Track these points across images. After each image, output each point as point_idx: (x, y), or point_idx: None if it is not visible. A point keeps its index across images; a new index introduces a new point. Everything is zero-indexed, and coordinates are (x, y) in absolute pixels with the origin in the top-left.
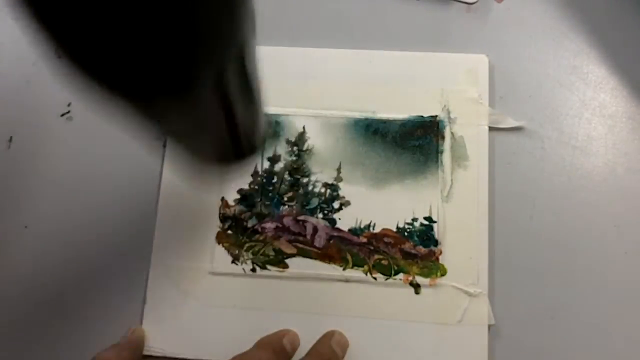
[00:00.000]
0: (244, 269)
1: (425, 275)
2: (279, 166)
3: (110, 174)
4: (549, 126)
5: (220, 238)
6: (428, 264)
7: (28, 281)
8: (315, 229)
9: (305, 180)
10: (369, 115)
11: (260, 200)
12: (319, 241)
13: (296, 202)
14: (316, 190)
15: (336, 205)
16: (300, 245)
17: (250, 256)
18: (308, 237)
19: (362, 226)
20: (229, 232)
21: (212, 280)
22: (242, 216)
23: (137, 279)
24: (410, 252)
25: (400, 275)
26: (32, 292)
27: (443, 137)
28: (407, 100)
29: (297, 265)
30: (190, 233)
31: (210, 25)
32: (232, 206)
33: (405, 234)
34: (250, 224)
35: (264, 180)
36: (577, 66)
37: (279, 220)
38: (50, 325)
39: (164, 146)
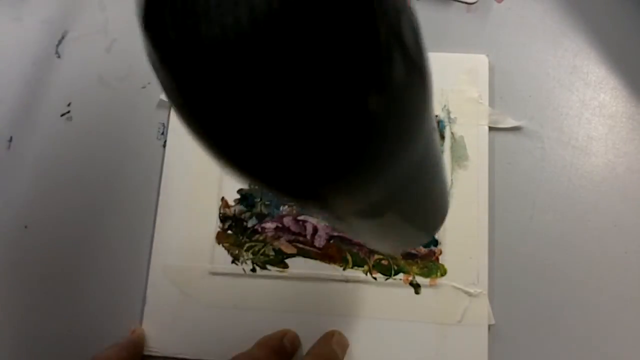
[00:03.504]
0: (244, 269)
1: (425, 275)
2: None
3: (110, 174)
4: (549, 126)
5: (220, 238)
6: (428, 264)
7: (28, 281)
8: (315, 229)
9: None
10: None
11: (260, 200)
12: (319, 241)
13: None
14: None
15: None
16: (300, 245)
17: (250, 256)
18: (308, 237)
19: None
20: (229, 232)
21: (212, 280)
22: (242, 216)
23: (137, 279)
24: (410, 252)
25: (400, 275)
26: (31, 292)
27: (443, 137)
28: None
29: (297, 265)
30: (190, 233)
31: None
32: (232, 206)
33: None
34: (250, 224)
35: None
36: (577, 66)
37: (279, 220)
38: (50, 325)
39: (164, 146)
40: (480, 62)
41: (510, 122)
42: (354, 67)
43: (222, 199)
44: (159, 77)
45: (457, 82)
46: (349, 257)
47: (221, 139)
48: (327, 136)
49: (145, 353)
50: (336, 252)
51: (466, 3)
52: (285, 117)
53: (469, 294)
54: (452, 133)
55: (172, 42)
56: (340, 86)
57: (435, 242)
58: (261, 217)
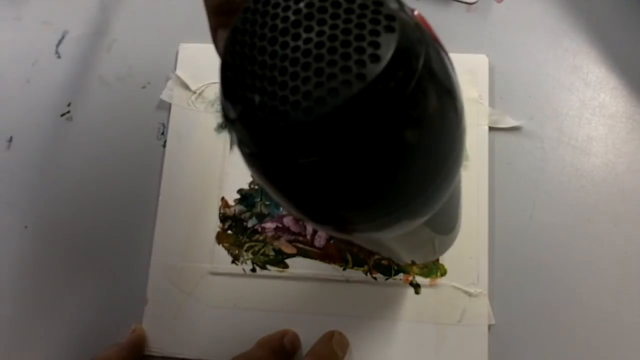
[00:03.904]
0: (244, 269)
1: (425, 275)
2: None
3: (110, 174)
4: (549, 126)
5: (220, 238)
6: (428, 264)
7: (28, 281)
8: (315, 229)
9: None
10: None
11: (260, 200)
12: (319, 241)
13: None
14: None
15: None
16: (300, 245)
17: (250, 256)
18: (308, 237)
19: None
20: (229, 232)
21: (212, 280)
22: (242, 216)
23: (137, 279)
24: None
25: (400, 275)
26: (32, 292)
27: None
28: None
29: (297, 265)
30: (190, 233)
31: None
32: (232, 206)
33: None
34: (250, 224)
35: None
36: (577, 66)
37: (279, 220)
38: (51, 325)
39: (164, 146)
40: (480, 62)
41: (510, 122)
42: (393, 110)
43: (222, 199)
44: (233, 130)
45: None
46: (349, 257)
47: (278, 179)
48: (376, 170)
49: (146, 353)
50: (336, 252)
51: (466, 3)
52: (338, 162)
53: (469, 294)
54: None
55: (260, 118)
56: (383, 127)
57: None
58: (261, 217)
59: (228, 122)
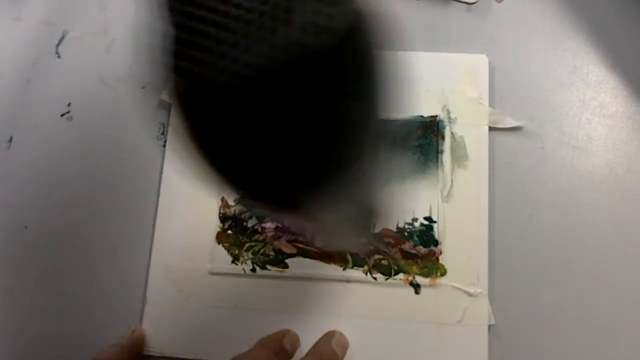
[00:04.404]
0: (244, 269)
1: (425, 275)
2: None
3: (110, 174)
4: (549, 126)
5: (220, 238)
6: (428, 264)
7: (28, 281)
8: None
9: None
10: None
11: None
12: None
13: None
14: None
15: None
16: (300, 245)
17: (250, 256)
18: (308, 237)
19: None
20: (229, 232)
21: (212, 280)
22: (242, 216)
23: (137, 279)
24: (410, 252)
25: (400, 275)
26: (31, 292)
27: (443, 137)
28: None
29: (297, 265)
30: (190, 233)
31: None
32: (232, 206)
33: (405, 234)
34: (250, 224)
35: None
36: (577, 66)
37: (279, 220)
38: (50, 325)
39: (164, 146)
40: (480, 62)
41: (510, 122)
42: (310, 75)
43: (222, 198)
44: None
45: (457, 82)
46: (349, 257)
47: (214, 154)
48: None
49: (145, 353)
50: (336, 252)
51: (466, 3)
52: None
53: (469, 294)
54: (452, 133)
55: (193, 87)
56: (300, 92)
57: (435, 242)
58: (261, 217)
59: (174, 98)
